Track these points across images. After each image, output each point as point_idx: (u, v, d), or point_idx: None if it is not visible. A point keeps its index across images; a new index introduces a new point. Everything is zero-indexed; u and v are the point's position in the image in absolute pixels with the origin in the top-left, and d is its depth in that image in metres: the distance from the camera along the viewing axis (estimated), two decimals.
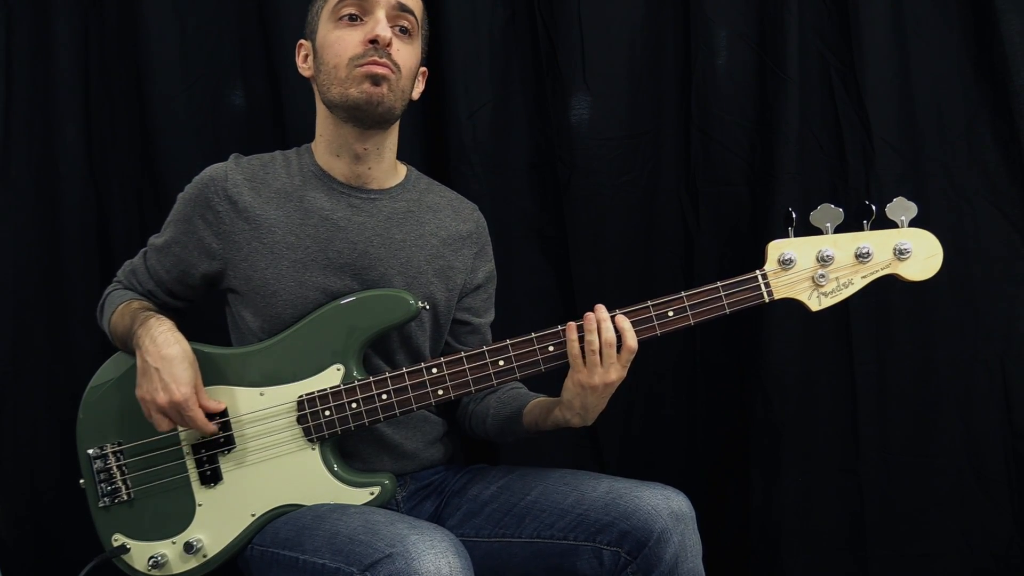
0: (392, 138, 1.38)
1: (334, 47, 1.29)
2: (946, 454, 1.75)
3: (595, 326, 1.22)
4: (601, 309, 1.23)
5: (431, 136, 1.78)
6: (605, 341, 1.21)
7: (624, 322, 1.23)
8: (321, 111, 1.36)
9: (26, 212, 1.75)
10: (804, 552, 1.77)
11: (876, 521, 1.77)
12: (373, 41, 1.26)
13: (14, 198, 1.74)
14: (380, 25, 1.27)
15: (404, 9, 1.30)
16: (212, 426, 1.25)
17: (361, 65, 1.26)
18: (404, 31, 1.31)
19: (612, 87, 1.77)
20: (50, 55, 1.73)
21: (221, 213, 1.30)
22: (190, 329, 1.30)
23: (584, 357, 1.22)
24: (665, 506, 1.20)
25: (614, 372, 1.22)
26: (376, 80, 1.27)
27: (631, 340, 1.22)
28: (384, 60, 1.27)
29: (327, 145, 1.36)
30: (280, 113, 1.75)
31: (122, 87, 1.76)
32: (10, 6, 1.73)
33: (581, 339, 1.23)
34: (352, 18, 1.28)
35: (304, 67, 1.37)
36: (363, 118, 1.30)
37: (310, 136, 1.40)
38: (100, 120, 1.77)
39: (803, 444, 1.76)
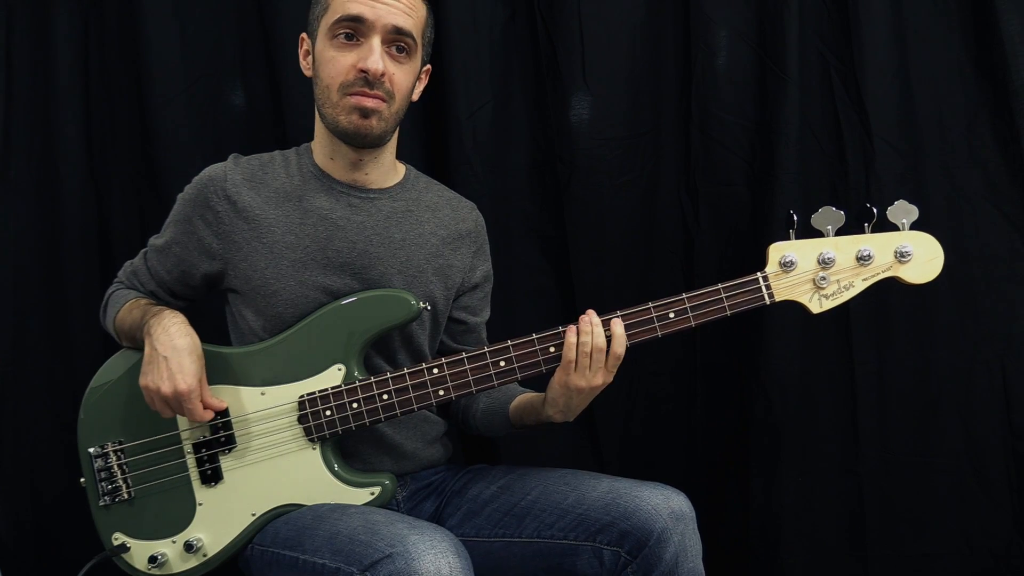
0: (390, 144, 1.38)
1: (327, 67, 1.27)
2: (946, 454, 1.75)
3: (589, 328, 1.23)
4: (593, 315, 1.24)
5: (431, 136, 1.78)
6: (596, 346, 1.22)
7: (619, 327, 1.23)
8: (319, 114, 1.35)
9: (26, 212, 1.75)
10: (804, 552, 1.77)
11: (876, 521, 1.77)
12: (365, 71, 1.24)
13: (14, 198, 1.74)
14: (373, 56, 1.24)
15: (401, 32, 1.27)
16: (209, 414, 1.25)
17: (351, 94, 1.25)
18: (401, 50, 1.28)
19: (612, 87, 1.77)
20: (50, 55, 1.73)
21: (220, 213, 1.30)
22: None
23: (576, 360, 1.23)
24: (665, 506, 1.20)
25: (600, 376, 1.24)
26: (365, 113, 1.26)
27: (619, 347, 1.23)
28: (375, 92, 1.25)
29: (324, 148, 1.35)
30: (280, 113, 1.75)
31: (122, 87, 1.76)
32: (10, 6, 1.73)
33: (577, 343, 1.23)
34: (348, 37, 1.26)
35: (305, 65, 1.36)
36: (352, 144, 1.30)
37: (310, 136, 1.40)
38: (100, 120, 1.77)
39: (803, 444, 1.76)
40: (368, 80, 1.24)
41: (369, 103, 1.25)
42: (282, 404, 1.28)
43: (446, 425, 1.47)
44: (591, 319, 1.23)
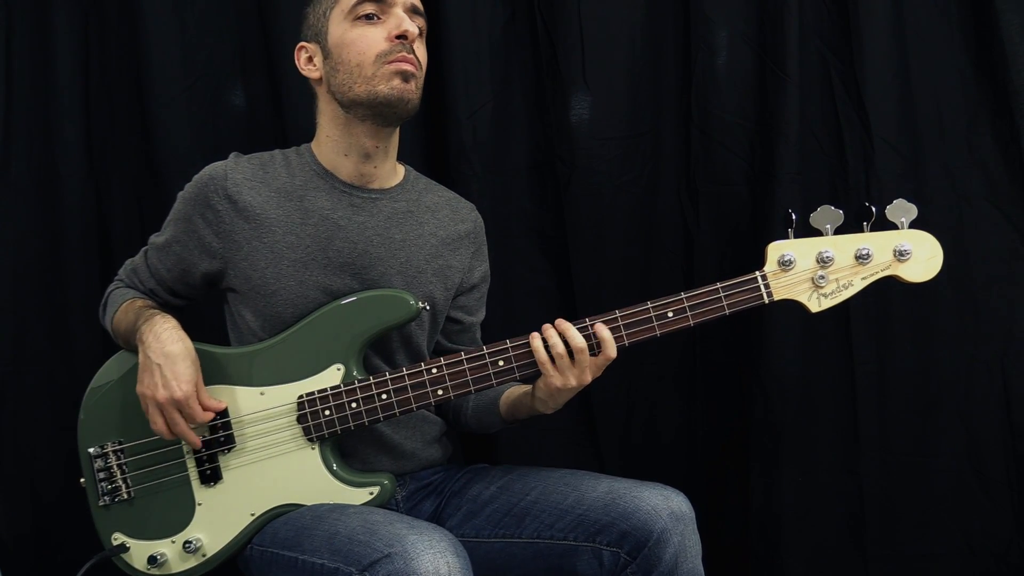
0: (397, 136, 1.39)
1: (357, 45, 1.28)
2: (946, 454, 1.75)
3: (553, 331, 1.23)
4: (563, 323, 1.24)
5: (431, 136, 1.78)
6: (576, 347, 1.22)
7: (604, 332, 1.23)
8: (329, 111, 1.34)
9: (26, 212, 1.75)
10: (804, 552, 1.77)
11: (876, 521, 1.77)
12: (400, 36, 1.27)
13: (14, 198, 1.74)
14: (406, 20, 1.29)
15: (417, 12, 1.33)
16: (208, 415, 1.25)
17: (390, 61, 1.27)
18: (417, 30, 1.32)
19: (612, 87, 1.77)
20: (50, 55, 1.73)
21: (221, 212, 1.30)
22: (189, 329, 1.30)
23: (553, 361, 1.23)
24: (665, 506, 1.20)
25: (588, 374, 1.24)
26: (406, 77, 1.28)
27: (611, 351, 1.23)
28: (412, 56, 1.28)
29: (334, 145, 1.35)
30: (280, 113, 1.75)
31: (122, 87, 1.76)
32: (10, 6, 1.73)
33: (547, 346, 1.24)
34: (369, 17, 1.29)
35: (310, 69, 1.35)
36: (388, 115, 1.30)
37: (310, 136, 1.40)
38: (100, 120, 1.77)
39: (803, 444, 1.76)
40: (405, 44, 1.28)
41: (408, 67, 1.28)
42: (281, 404, 1.28)
43: (445, 425, 1.47)
44: (560, 327, 1.24)
